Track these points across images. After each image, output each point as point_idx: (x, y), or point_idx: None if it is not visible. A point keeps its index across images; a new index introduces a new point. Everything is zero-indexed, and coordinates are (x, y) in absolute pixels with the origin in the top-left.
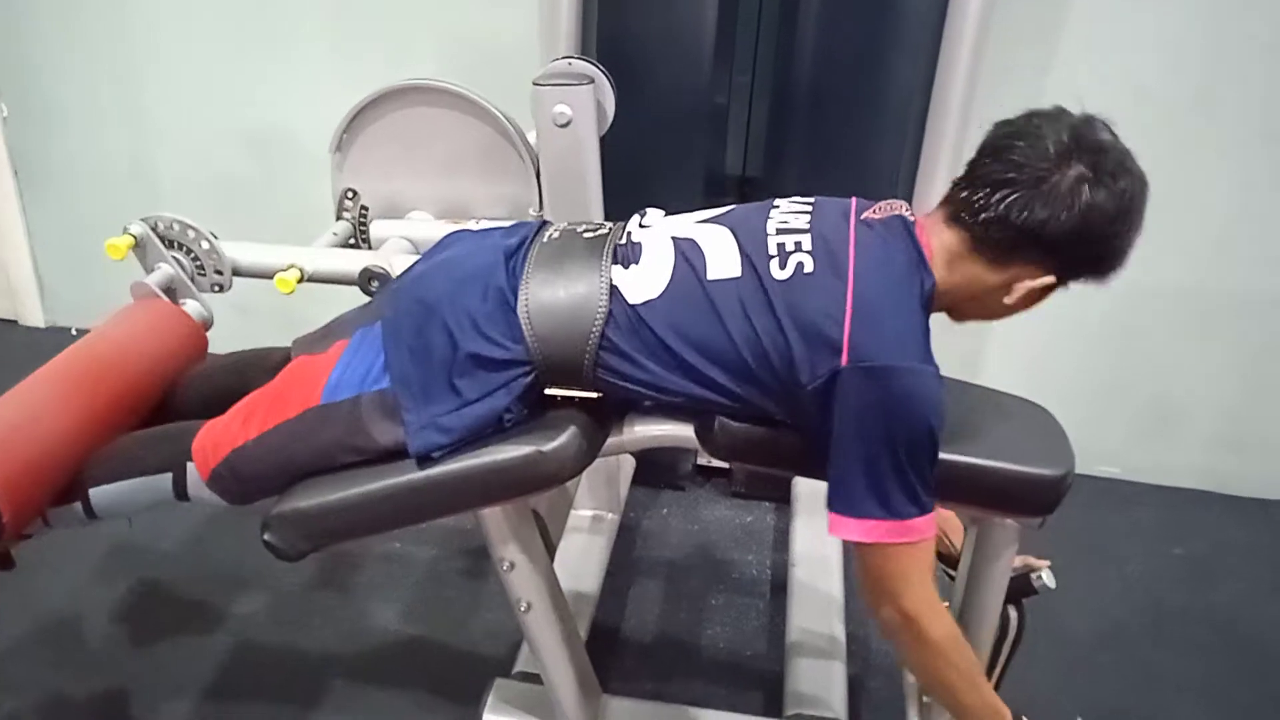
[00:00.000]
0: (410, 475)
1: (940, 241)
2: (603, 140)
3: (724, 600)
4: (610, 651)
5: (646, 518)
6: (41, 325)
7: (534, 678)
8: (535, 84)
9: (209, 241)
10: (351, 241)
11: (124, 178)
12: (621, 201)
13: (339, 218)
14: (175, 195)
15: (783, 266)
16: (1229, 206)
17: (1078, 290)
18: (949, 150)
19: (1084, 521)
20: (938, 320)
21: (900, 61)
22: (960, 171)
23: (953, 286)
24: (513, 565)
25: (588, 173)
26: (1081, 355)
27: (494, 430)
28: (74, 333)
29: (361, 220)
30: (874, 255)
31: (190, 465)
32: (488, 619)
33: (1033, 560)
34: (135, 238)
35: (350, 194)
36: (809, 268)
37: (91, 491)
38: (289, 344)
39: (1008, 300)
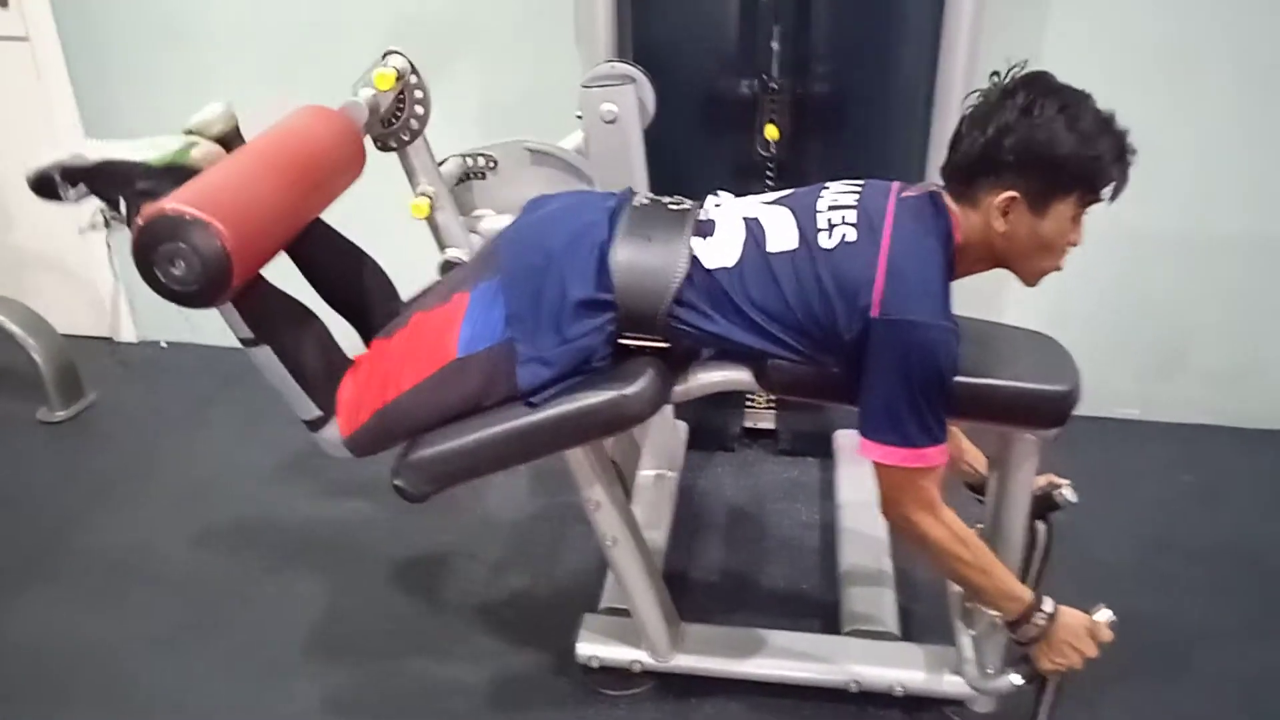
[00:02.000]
0: (518, 420)
1: (958, 214)
2: (645, 133)
3: (778, 543)
4: (681, 590)
5: (702, 477)
6: (134, 340)
7: (618, 612)
8: (583, 86)
9: (420, 120)
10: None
11: None
12: (661, 187)
13: (461, 156)
14: None
15: (830, 237)
16: (1219, 153)
17: (1086, 245)
18: (955, 122)
19: (1102, 458)
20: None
21: (905, 48)
22: None
23: (969, 246)
24: (599, 504)
25: (634, 163)
26: (1094, 306)
27: (584, 370)
28: (163, 345)
29: (473, 176)
30: (906, 225)
31: (334, 420)
32: (568, 568)
33: (1055, 478)
34: (398, 70)
35: (492, 163)
36: (851, 238)
37: (266, 347)
38: None
39: (997, 226)
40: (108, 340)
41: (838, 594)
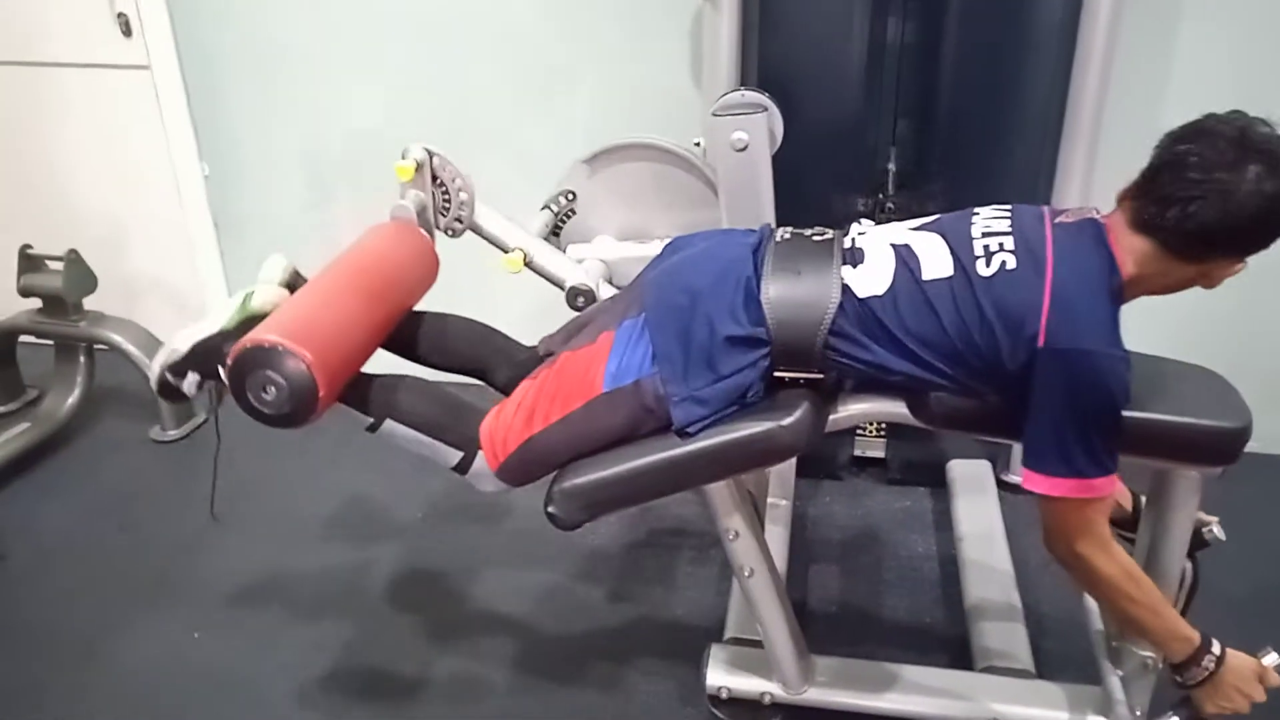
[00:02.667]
0: (673, 450)
1: (1129, 244)
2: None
3: (896, 575)
4: (804, 621)
5: (811, 505)
6: None
7: (746, 642)
8: (713, 115)
9: (467, 192)
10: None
11: (308, 218)
12: (786, 212)
13: (546, 208)
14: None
15: (988, 264)
16: None
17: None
18: (1083, 154)
19: (1219, 492)
20: None
21: (1035, 74)
22: (1113, 176)
23: (1143, 279)
24: (737, 534)
25: (761, 190)
26: (1209, 334)
27: (738, 405)
28: None
29: (564, 219)
30: (1069, 253)
31: (480, 453)
32: (682, 597)
33: (1203, 515)
34: (417, 162)
35: (570, 195)
36: (1011, 265)
37: (389, 421)
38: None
39: (1204, 285)
40: None
41: (965, 628)
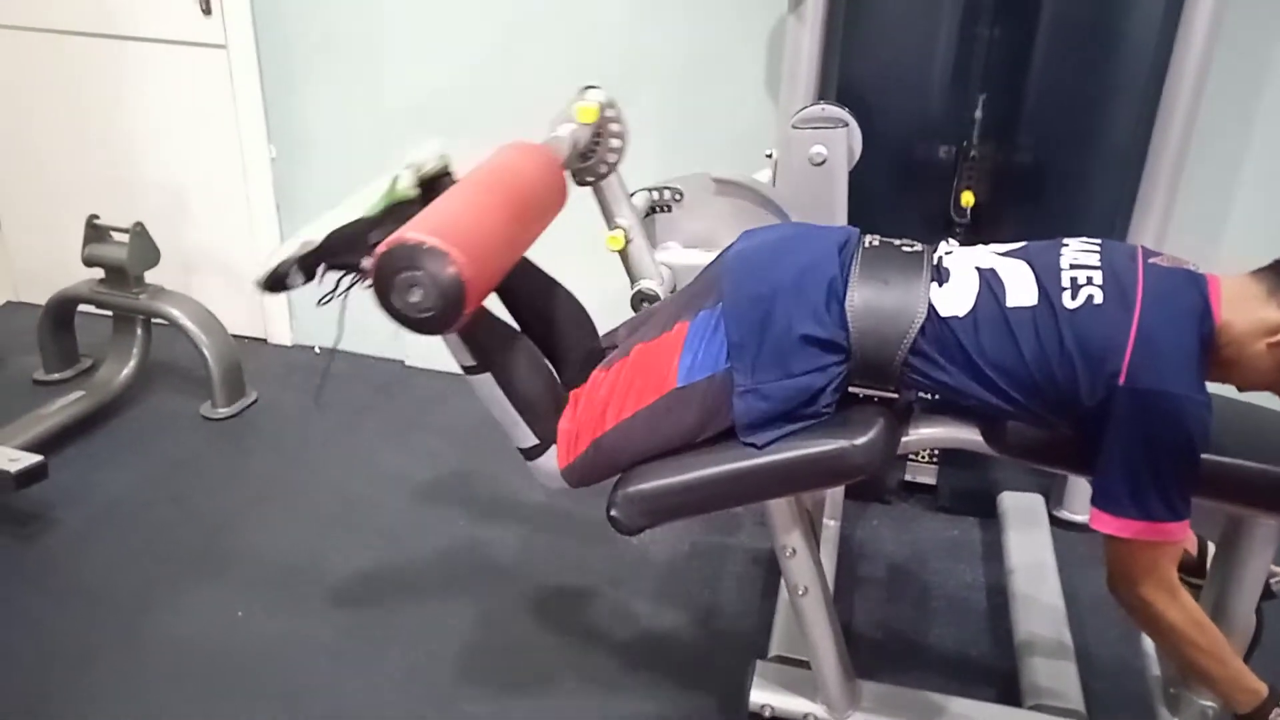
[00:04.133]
0: (741, 461)
1: (1237, 286)
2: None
3: (943, 604)
4: (849, 645)
5: (859, 529)
6: (288, 344)
7: (791, 661)
8: (793, 127)
9: (617, 154)
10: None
11: None
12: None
13: (648, 191)
14: None
15: (1074, 297)
16: None
17: None
18: (1164, 190)
19: None
20: None
21: (1121, 106)
22: (1191, 218)
23: (1232, 324)
24: (794, 552)
25: (837, 207)
26: None
27: (803, 410)
28: (317, 351)
29: (657, 209)
30: (1160, 294)
31: (553, 448)
32: (727, 610)
33: (1273, 567)
34: (600, 104)
35: (678, 195)
36: (1098, 299)
37: (490, 374)
38: None
39: (1271, 342)
40: (262, 341)
41: (1013, 663)
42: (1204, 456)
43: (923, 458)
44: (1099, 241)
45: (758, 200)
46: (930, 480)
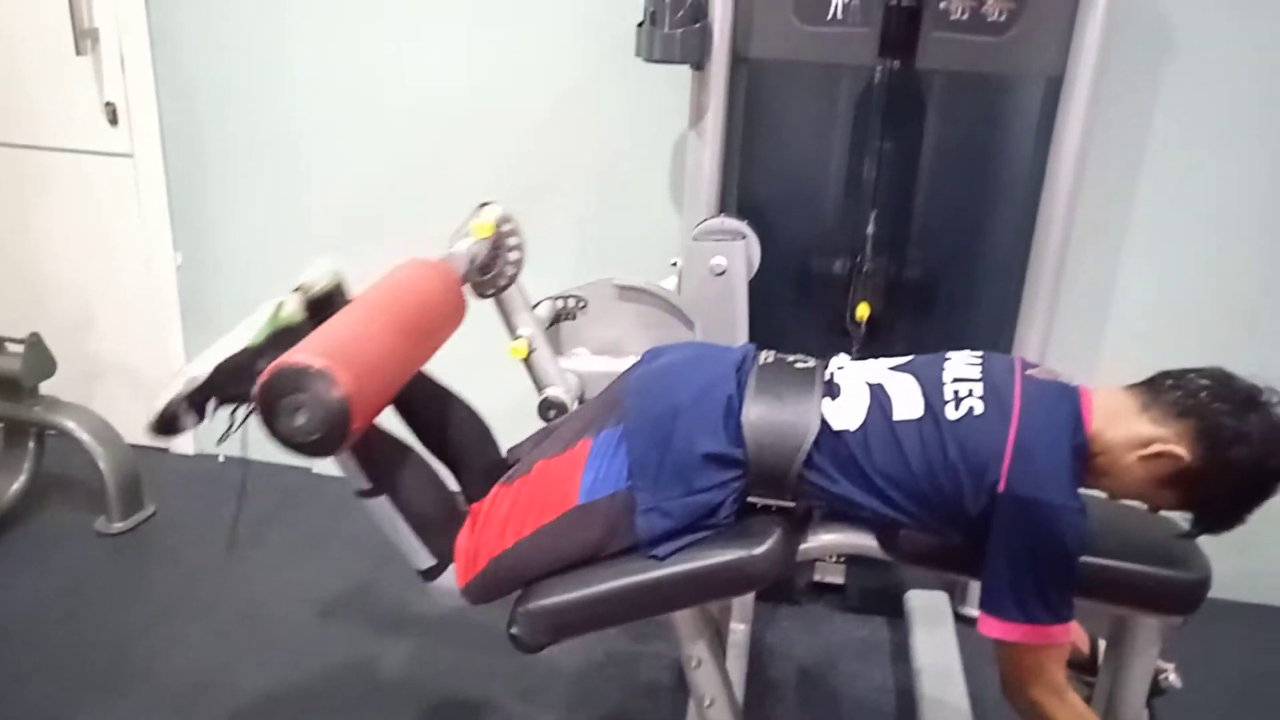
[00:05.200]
0: (643, 575)
1: (1110, 399)
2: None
3: (853, 707)
4: None
5: (770, 632)
6: (191, 453)
7: None
8: (693, 239)
9: (515, 268)
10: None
11: None
12: (757, 340)
13: (550, 300)
14: None
15: (956, 409)
16: None
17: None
18: (1046, 295)
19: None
20: None
21: (1001, 223)
22: (1072, 325)
23: (1103, 434)
24: (700, 663)
25: (737, 315)
26: None
27: (705, 523)
28: (221, 459)
29: (563, 318)
30: (1035, 405)
31: (452, 566)
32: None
33: (1161, 662)
34: (496, 220)
35: (582, 304)
36: (979, 411)
37: (385, 497)
38: None
39: (1142, 455)
40: (164, 452)
41: None
42: (1089, 559)
43: (831, 558)
44: (981, 355)
45: (662, 306)
46: (839, 580)
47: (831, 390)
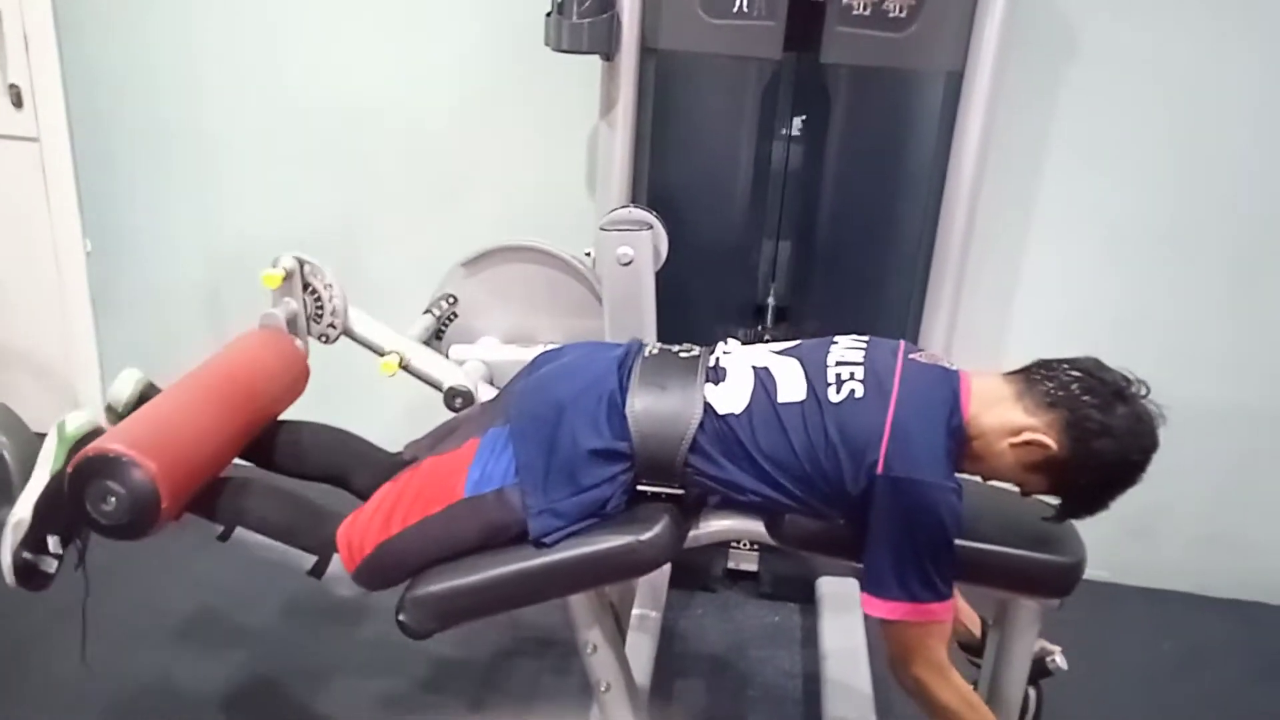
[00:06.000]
0: (528, 561)
1: (988, 385)
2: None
3: (761, 693)
4: None
5: (683, 617)
6: None
7: None
8: (601, 229)
9: (339, 299)
10: (429, 339)
11: (192, 304)
12: (668, 326)
13: (428, 311)
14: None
15: (838, 392)
16: (1202, 324)
17: None
18: (951, 286)
19: (1075, 621)
20: None
21: (908, 209)
22: (977, 313)
23: (979, 418)
24: (595, 648)
25: (644, 304)
26: None
27: (597, 518)
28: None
29: (446, 323)
30: (914, 388)
31: (335, 556)
32: (544, 710)
33: (1047, 645)
34: (286, 270)
35: (451, 299)
36: (859, 394)
37: (239, 529)
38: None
39: (1013, 442)
40: None
41: None
42: (967, 543)
43: (745, 545)
44: (867, 339)
45: (506, 259)
46: (752, 567)
47: (716, 375)
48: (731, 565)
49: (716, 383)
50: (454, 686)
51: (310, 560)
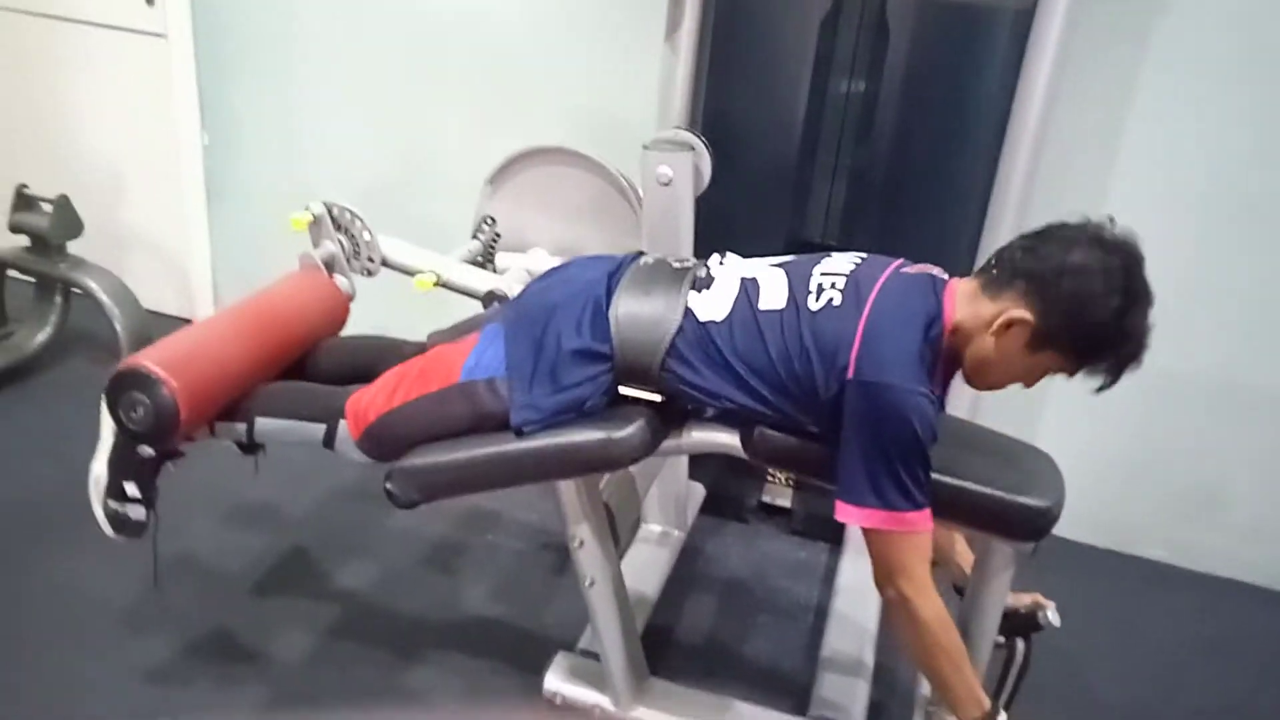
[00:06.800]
0: (507, 445)
1: (963, 288)
2: (700, 199)
3: (770, 620)
4: (663, 647)
5: (710, 543)
6: None
7: (594, 655)
8: (644, 148)
9: (369, 233)
10: (479, 260)
11: (293, 199)
12: (711, 253)
13: (474, 237)
14: None
15: (817, 300)
16: (1266, 304)
17: (1129, 386)
18: (1009, 231)
19: (1120, 595)
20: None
21: (967, 150)
22: None
23: (962, 324)
24: (582, 543)
25: (681, 226)
26: (1129, 444)
27: (576, 414)
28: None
29: (492, 244)
30: (892, 296)
31: (342, 423)
32: (561, 607)
33: (1041, 599)
34: (314, 216)
35: (490, 220)
36: (837, 302)
37: (258, 419)
38: (414, 337)
39: (995, 332)
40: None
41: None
42: (938, 478)
43: (781, 480)
44: (865, 255)
45: (531, 164)
46: (786, 503)
47: (702, 283)
48: (766, 499)
49: (701, 290)
50: (483, 572)
51: (320, 430)
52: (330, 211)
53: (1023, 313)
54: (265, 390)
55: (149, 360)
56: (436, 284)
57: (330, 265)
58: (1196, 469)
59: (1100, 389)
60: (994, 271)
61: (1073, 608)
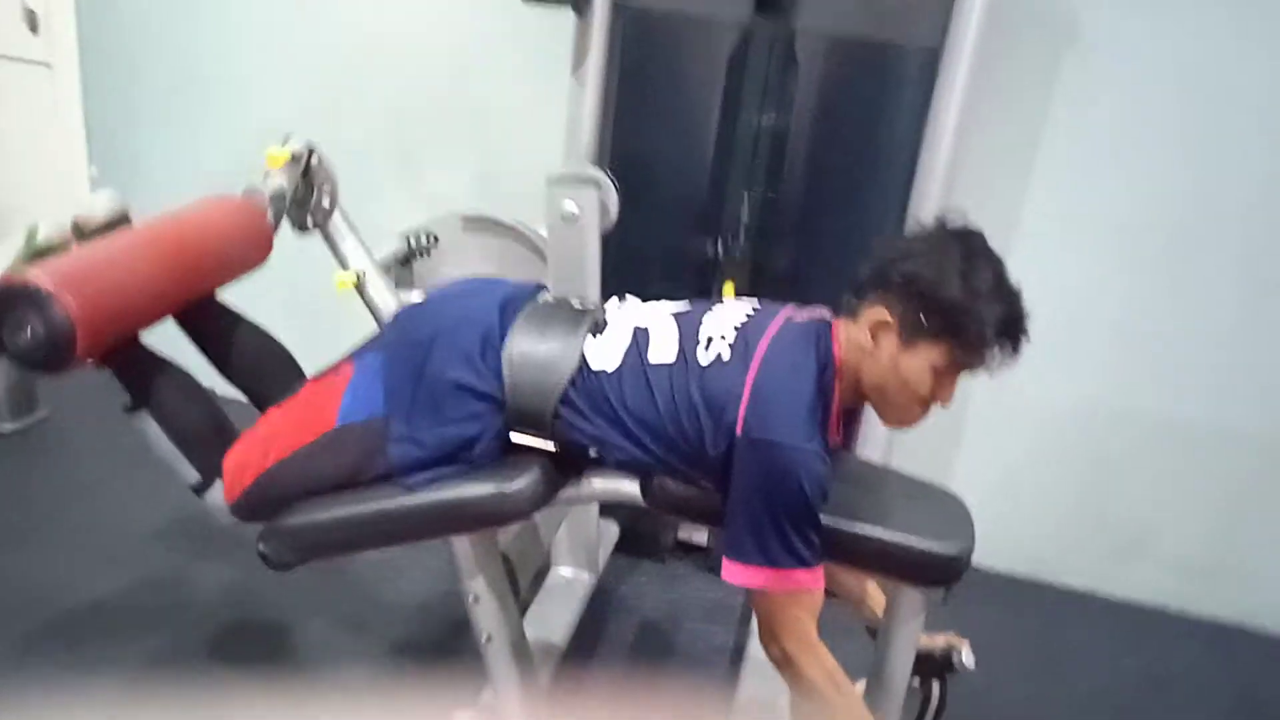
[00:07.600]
0: (392, 501)
1: (843, 326)
2: (607, 237)
3: (684, 664)
4: (572, 697)
5: (624, 584)
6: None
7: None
8: (548, 183)
9: (331, 198)
10: (401, 260)
11: None
12: (622, 290)
13: (406, 237)
14: None
15: (706, 354)
16: (1199, 342)
17: (1059, 417)
18: None
19: (1045, 626)
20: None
21: (880, 183)
22: None
23: (847, 359)
24: (478, 598)
25: (588, 262)
26: (1058, 477)
27: (463, 457)
28: None
29: (419, 254)
30: (781, 348)
31: (218, 481)
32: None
33: (955, 639)
34: (294, 153)
35: (434, 238)
36: (726, 356)
37: (146, 416)
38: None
39: (871, 350)
40: None
41: None
42: (844, 524)
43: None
44: (758, 304)
45: (510, 236)
46: (703, 540)
47: (598, 328)
48: (683, 536)
49: (595, 335)
50: (381, 623)
51: (193, 478)
52: (309, 155)
53: (880, 312)
54: (168, 377)
55: (40, 275)
56: (355, 286)
57: (272, 200)
58: (1128, 503)
59: (1005, 363)
60: (853, 298)
61: (991, 641)
